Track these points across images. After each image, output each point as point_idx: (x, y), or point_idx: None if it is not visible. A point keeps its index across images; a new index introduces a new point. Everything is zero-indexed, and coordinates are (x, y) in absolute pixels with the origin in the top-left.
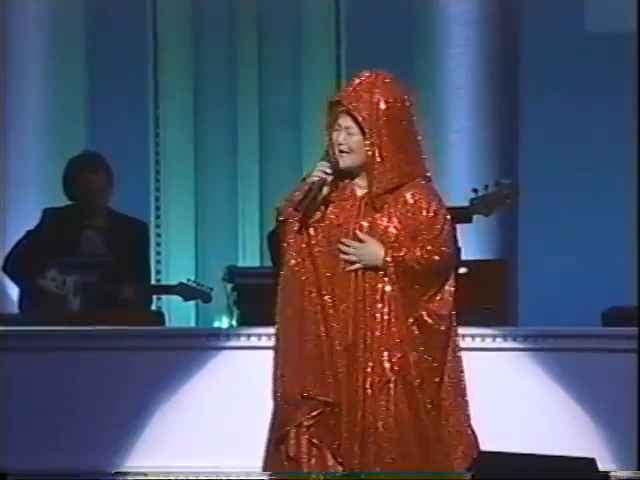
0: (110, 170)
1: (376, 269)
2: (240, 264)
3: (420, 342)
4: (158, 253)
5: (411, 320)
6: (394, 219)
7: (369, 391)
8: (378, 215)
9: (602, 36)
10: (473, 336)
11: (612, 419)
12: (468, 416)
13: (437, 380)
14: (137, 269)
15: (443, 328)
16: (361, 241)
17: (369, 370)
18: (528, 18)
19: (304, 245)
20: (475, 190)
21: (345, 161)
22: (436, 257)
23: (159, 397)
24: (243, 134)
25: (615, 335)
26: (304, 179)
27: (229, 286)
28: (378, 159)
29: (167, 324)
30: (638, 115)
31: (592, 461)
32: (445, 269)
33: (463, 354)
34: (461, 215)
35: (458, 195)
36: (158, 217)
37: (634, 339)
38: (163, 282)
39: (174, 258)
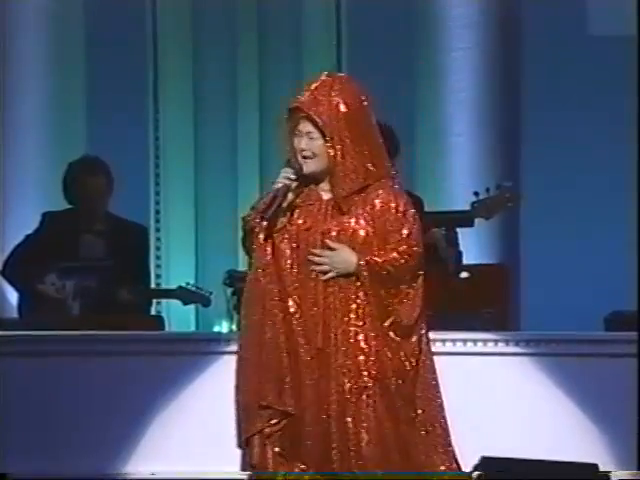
0: (110, 174)
1: (348, 274)
2: (240, 268)
3: (395, 345)
4: (158, 257)
5: (387, 324)
6: (362, 221)
7: (348, 396)
8: (346, 218)
9: (605, 39)
10: (475, 341)
11: (614, 423)
12: (444, 417)
13: (413, 382)
14: (137, 273)
15: (416, 329)
16: (332, 249)
17: (345, 377)
18: (530, 20)
19: (269, 252)
20: (476, 193)
21: (309, 166)
22: (408, 258)
23: (159, 402)
24: (243, 136)
25: (617, 340)
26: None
27: (229, 290)
28: (341, 161)
29: (167, 329)
30: (638, 118)
31: (595, 467)
32: (417, 269)
33: (466, 359)
34: (462, 219)
35: (459, 198)
36: (158, 221)
37: (635, 344)
38: (163, 286)
39: (174, 262)
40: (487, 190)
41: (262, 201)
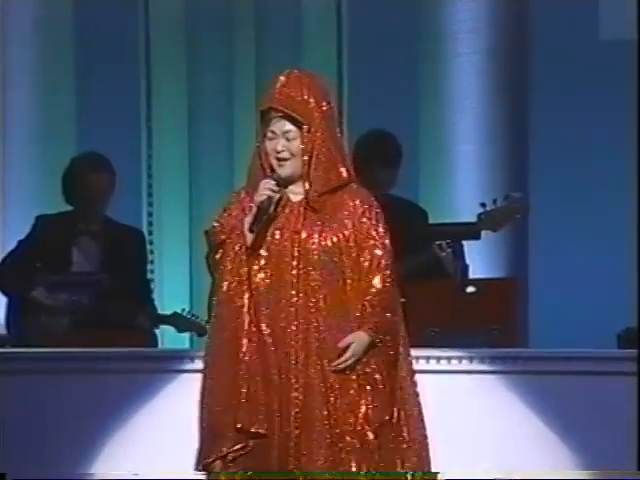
0: (114, 172)
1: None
2: None
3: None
4: (151, 271)
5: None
6: (334, 225)
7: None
8: (319, 221)
9: (618, 43)
10: (482, 358)
11: (629, 440)
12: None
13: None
14: (135, 282)
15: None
16: (348, 345)
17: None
18: (539, 24)
19: (242, 266)
20: (483, 205)
21: (286, 169)
22: (391, 285)
23: (154, 420)
24: (240, 138)
25: (630, 357)
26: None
27: None
28: (317, 159)
29: (160, 346)
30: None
31: None
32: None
33: (474, 378)
34: (469, 231)
35: (465, 210)
36: (151, 233)
37: None
38: (156, 300)
39: (167, 281)
40: (494, 201)
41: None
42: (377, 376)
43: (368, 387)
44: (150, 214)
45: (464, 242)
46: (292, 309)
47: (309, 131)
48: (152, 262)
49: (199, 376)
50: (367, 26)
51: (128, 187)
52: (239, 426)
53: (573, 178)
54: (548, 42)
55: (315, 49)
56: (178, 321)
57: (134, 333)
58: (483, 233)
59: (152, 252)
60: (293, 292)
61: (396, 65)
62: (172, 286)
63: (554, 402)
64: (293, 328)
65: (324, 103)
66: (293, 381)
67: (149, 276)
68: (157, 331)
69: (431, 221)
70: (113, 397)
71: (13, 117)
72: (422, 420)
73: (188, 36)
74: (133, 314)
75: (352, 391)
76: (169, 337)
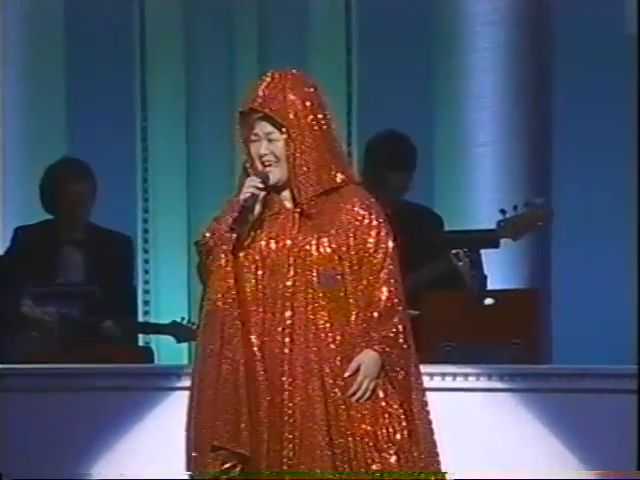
0: (94, 178)
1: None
2: None
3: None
4: (146, 282)
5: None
6: (332, 231)
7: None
8: (315, 227)
9: None
10: (501, 375)
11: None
12: None
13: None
14: (122, 297)
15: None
16: (357, 369)
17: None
18: (561, 17)
19: (231, 275)
20: (503, 211)
21: (275, 174)
22: (397, 294)
23: (151, 440)
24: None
25: None
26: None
27: None
28: (303, 162)
29: (156, 362)
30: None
31: None
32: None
33: (492, 396)
34: (487, 239)
35: (483, 217)
36: (146, 241)
37: None
38: (152, 308)
39: (164, 290)
40: (515, 207)
41: (220, 222)
42: (384, 395)
43: (380, 411)
44: (145, 220)
45: (482, 251)
46: (288, 322)
47: (289, 133)
48: (147, 272)
49: None
50: (377, 20)
51: (121, 192)
52: (216, 444)
53: (599, 182)
54: (571, 36)
55: (322, 45)
56: (177, 330)
57: (127, 347)
58: (502, 241)
59: (147, 261)
60: (288, 304)
61: (409, 61)
62: (169, 294)
63: (582, 422)
64: (287, 348)
65: (311, 100)
66: (286, 402)
67: (145, 286)
68: (152, 344)
69: (447, 228)
70: (106, 415)
71: (5, 116)
72: (434, 442)
73: (186, 33)
74: (120, 326)
75: (361, 415)
76: (165, 350)
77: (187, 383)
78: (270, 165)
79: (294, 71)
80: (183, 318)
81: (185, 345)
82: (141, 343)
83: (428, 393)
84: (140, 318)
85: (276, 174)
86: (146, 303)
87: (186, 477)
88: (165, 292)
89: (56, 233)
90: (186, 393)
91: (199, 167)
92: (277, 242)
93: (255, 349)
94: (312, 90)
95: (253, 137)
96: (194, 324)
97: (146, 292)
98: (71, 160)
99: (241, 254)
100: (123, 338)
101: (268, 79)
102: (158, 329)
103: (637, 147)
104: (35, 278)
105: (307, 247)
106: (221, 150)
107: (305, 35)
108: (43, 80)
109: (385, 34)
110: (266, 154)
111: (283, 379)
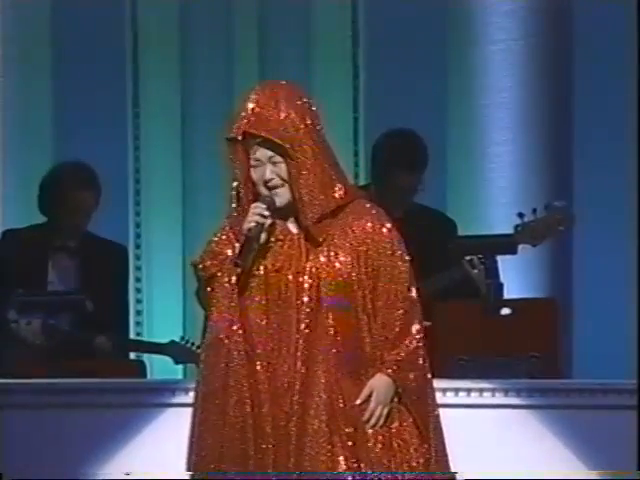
0: (100, 187)
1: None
2: None
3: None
4: (138, 290)
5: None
6: (341, 255)
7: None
8: (323, 252)
9: None
10: (518, 390)
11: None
12: None
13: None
14: (115, 302)
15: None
16: (369, 395)
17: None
18: (584, 8)
19: (233, 303)
20: (521, 215)
21: (282, 197)
22: (416, 321)
23: (145, 457)
24: None
25: None
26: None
27: None
28: (308, 182)
29: (149, 376)
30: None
31: None
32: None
33: (508, 412)
34: (504, 245)
35: (500, 221)
36: (138, 246)
37: None
38: (145, 326)
39: (157, 306)
40: (534, 211)
41: (219, 244)
42: (399, 421)
43: (394, 436)
44: (138, 225)
45: (498, 257)
46: (295, 352)
47: (290, 154)
48: (139, 280)
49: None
50: (386, 12)
51: (112, 197)
52: None
53: (624, 185)
54: (595, 29)
55: (328, 40)
56: (176, 351)
57: (117, 361)
58: (520, 247)
59: (139, 268)
60: (298, 336)
61: (420, 56)
62: (163, 310)
63: (606, 441)
64: (295, 378)
65: (308, 115)
66: (293, 439)
67: (137, 297)
68: (144, 357)
69: (460, 233)
70: (98, 431)
71: None
72: (447, 464)
73: (182, 33)
74: (114, 343)
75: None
76: (158, 364)
77: (182, 399)
78: (276, 187)
79: (283, 82)
80: (183, 337)
81: None
82: (132, 356)
83: (441, 410)
84: (132, 335)
85: (284, 196)
86: (138, 324)
87: (186, 477)
88: (158, 307)
89: (48, 239)
90: (181, 409)
91: (195, 171)
92: (278, 271)
93: (261, 377)
94: (305, 101)
95: (254, 162)
96: (193, 344)
97: (138, 310)
98: (78, 164)
99: (245, 283)
100: (116, 356)
101: (257, 95)
102: (155, 349)
103: None
104: (23, 286)
105: (315, 271)
106: (219, 154)
107: (309, 30)
108: (32, 80)
109: (394, 26)
110: (273, 178)
111: (291, 409)
